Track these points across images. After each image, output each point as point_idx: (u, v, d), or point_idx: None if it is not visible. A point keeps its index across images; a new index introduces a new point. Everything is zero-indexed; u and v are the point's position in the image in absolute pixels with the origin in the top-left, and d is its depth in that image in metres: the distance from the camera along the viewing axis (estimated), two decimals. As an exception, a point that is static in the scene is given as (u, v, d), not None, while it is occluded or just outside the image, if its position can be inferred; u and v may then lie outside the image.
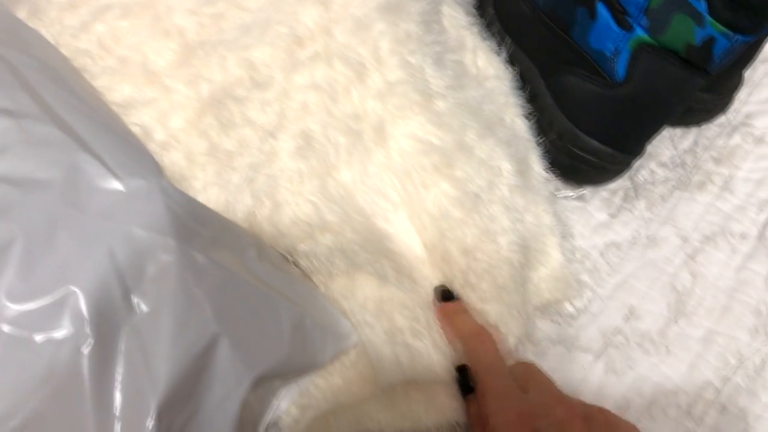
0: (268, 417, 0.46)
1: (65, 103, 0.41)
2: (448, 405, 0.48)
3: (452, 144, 0.49)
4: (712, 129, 0.64)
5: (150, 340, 0.36)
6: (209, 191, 0.49)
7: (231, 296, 0.40)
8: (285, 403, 0.47)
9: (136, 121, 0.50)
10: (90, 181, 0.37)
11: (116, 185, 0.37)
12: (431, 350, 0.46)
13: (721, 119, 0.65)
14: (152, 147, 0.49)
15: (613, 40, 0.53)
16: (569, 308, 0.55)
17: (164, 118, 0.50)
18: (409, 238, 0.49)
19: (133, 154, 0.41)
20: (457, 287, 0.48)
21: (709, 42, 0.49)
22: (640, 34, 0.52)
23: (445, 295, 0.48)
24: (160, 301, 0.37)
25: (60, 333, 0.34)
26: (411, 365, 0.46)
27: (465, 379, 0.46)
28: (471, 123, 0.51)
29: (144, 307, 0.36)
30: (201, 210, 0.41)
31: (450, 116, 0.50)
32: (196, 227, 0.39)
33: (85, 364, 0.34)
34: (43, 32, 0.50)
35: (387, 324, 0.47)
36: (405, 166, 0.49)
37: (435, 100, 0.50)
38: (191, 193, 0.49)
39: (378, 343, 0.46)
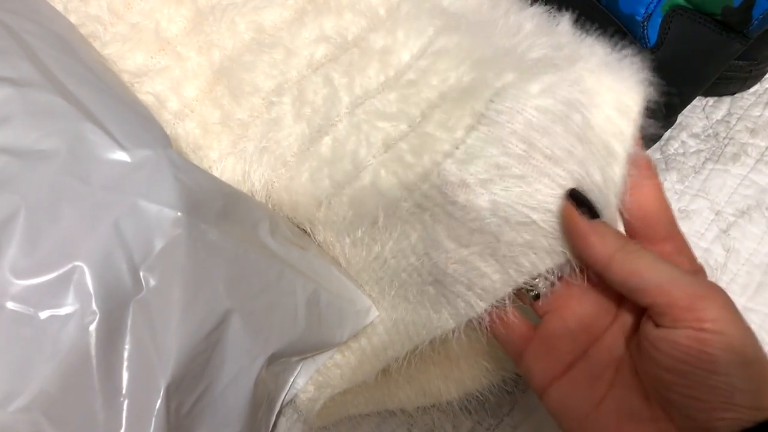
0: (284, 395, 0.45)
1: (70, 72, 0.39)
2: (468, 378, 0.46)
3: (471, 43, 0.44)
4: (746, 98, 0.62)
5: (158, 316, 0.35)
6: (226, 161, 0.48)
7: (243, 271, 0.38)
8: (302, 380, 0.46)
9: (149, 89, 0.48)
10: (95, 152, 0.36)
11: (122, 156, 0.36)
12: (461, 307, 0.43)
13: (756, 88, 0.62)
14: (166, 117, 0.48)
15: (644, 4, 0.51)
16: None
17: (178, 86, 0.49)
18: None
19: (140, 123, 0.39)
20: None
21: (749, 3, 0.46)
22: (674, -4, 0.49)
23: (584, 205, 0.35)
24: (169, 276, 0.35)
25: (65, 309, 0.33)
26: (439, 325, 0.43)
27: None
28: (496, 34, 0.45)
29: (152, 283, 0.35)
30: (211, 182, 0.39)
31: (468, 29, 0.45)
32: (206, 199, 0.38)
33: (92, 341, 0.34)
34: (51, -2, 0.48)
35: (414, 283, 0.44)
36: (417, 81, 0.44)
37: (450, 19, 0.45)
38: (207, 164, 0.48)
39: (406, 305, 0.44)
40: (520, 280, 0.38)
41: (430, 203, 0.41)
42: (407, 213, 0.43)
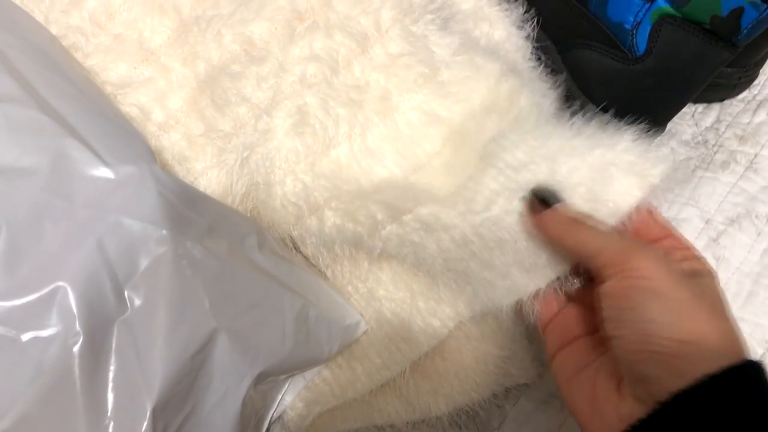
0: (272, 412, 0.44)
1: (51, 86, 0.38)
2: (457, 392, 0.46)
3: (461, 114, 0.46)
4: (735, 105, 0.61)
5: (143, 336, 0.34)
6: (210, 174, 0.47)
7: (229, 289, 0.38)
8: (290, 397, 0.45)
9: (133, 101, 0.48)
10: (77, 169, 0.35)
11: (105, 172, 0.35)
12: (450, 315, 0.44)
13: (745, 95, 0.62)
14: (151, 128, 0.48)
15: (633, 12, 0.51)
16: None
17: (163, 98, 0.48)
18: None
19: (124, 139, 0.38)
20: None
21: (737, 13, 0.46)
22: (662, 5, 0.49)
23: (544, 197, 0.41)
24: (154, 295, 0.35)
25: (48, 331, 0.33)
26: (428, 336, 0.44)
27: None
28: (480, 85, 0.47)
29: (137, 302, 0.35)
30: (196, 197, 0.38)
31: (458, 84, 0.47)
32: (192, 215, 0.37)
33: (76, 362, 0.33)
34: (32, 8, 0.47)
35: (403, 294, 0.45)
36: (412, 136, 0.46)
37: (441, 70, 0.47)
38: (192, 176, 0.47)
39: (397, 318, 0.45)
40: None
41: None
42: (410, 228, 0.43)
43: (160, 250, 0.35)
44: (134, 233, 0.35)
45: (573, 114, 0.46)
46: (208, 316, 0.36)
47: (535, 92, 0.49)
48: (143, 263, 0.35)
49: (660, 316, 0.33)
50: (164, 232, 0.35)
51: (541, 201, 0.41)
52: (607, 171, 0.41)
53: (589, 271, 0.39)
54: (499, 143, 0.44)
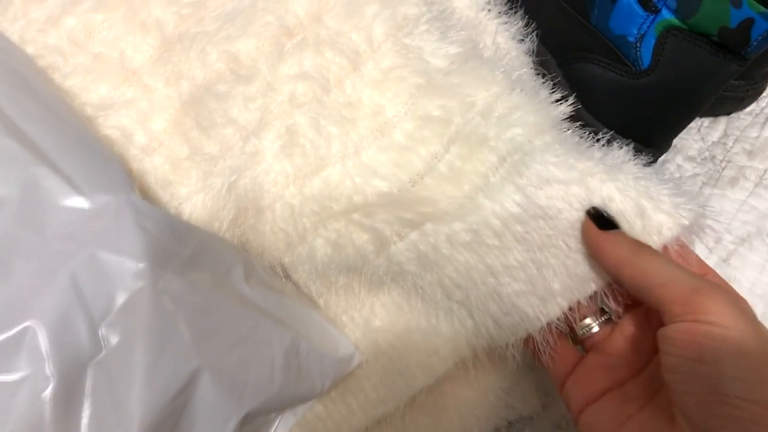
0: (262, 452, 0.42)
1: (24, 110, 0.36)
2: (458, 427, 0.44)
3: (460, 114, 0.43)
4: (743, 119, 0.60)
5: (120, 378, 0.32)
6: (195, 199, 0.45)
7: (213, 324, 0.35)
8: (281, 434, 0.43)
9: (114, 123, 0.45)
10: (50, 199, 0.33)
11: (80, 202, 0.33)
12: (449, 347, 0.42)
13: (753, 107, 0.60)
14: (133, 152, 0.46)
15: (637, 24, 0.49)
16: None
17: (145, 119, 0.46)
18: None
19: (101, 166, 0.36)
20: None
21: (747, 24, 0.44)
22: (668, 16, 0.47)
23: (602, 220, 0.38)
24: (131, 334, 0.32)
25: (15, 375, 0.30)
26: (427, 371, 0.42)
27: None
28: (483, 91, 0.44)
29: (113, 341, 0.32)
30: (178, 226, 0.36)
31: (455, 85, 0.44)
32: (173, 246, 0.35)
33: (46, 409, 0.31)
34: (5, 27, 0.45)
35: (401, 327, 0.43)
36: (407, 144, 0.43)
37: (437, 79, 0.44)
38: (177, 201, 0.45)
39: (394, 350, 0.43)
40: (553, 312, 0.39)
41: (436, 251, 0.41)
42: (406, 253, 0.41)
43: (138, 285, 0.33)
44: (110, 267, 0.32)
45: (589, 136, 0.44)
46: (190, 354, 0.34)
47: (551, 109, 0.46)
48: (120, 299, 0.32)
49: (740, 374, 0.30)
50: (142, 265, 0.33)
51: (600, 223, 0.38)
52: (640, 205, 0.38)
53: (648, 308, 0.37)
54: (522, 157, 0.41)
